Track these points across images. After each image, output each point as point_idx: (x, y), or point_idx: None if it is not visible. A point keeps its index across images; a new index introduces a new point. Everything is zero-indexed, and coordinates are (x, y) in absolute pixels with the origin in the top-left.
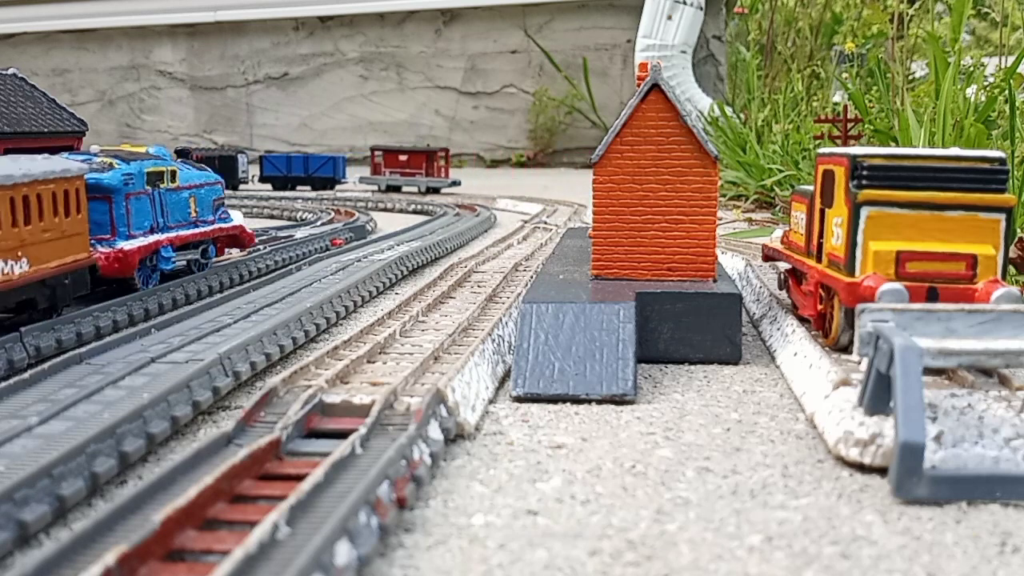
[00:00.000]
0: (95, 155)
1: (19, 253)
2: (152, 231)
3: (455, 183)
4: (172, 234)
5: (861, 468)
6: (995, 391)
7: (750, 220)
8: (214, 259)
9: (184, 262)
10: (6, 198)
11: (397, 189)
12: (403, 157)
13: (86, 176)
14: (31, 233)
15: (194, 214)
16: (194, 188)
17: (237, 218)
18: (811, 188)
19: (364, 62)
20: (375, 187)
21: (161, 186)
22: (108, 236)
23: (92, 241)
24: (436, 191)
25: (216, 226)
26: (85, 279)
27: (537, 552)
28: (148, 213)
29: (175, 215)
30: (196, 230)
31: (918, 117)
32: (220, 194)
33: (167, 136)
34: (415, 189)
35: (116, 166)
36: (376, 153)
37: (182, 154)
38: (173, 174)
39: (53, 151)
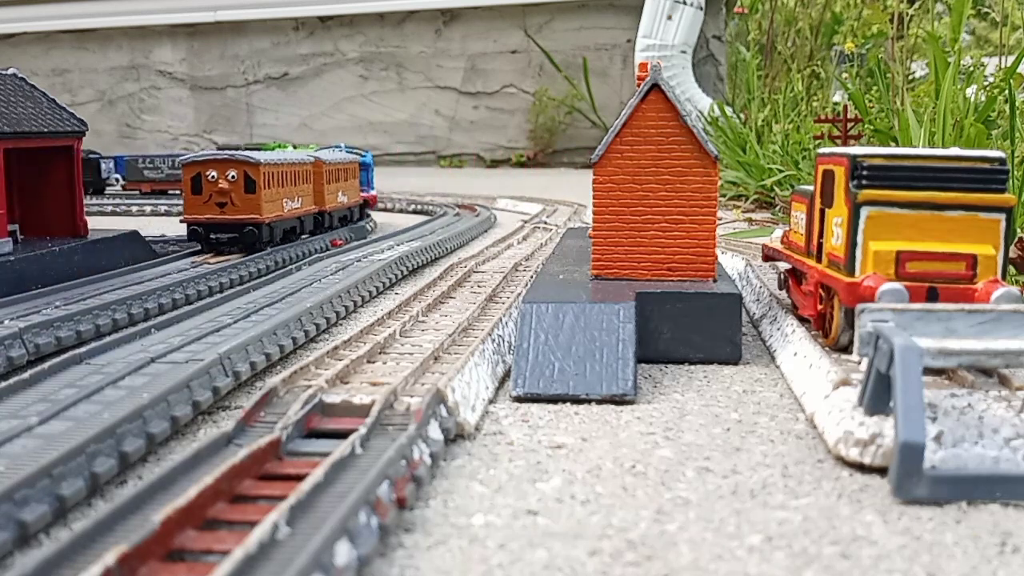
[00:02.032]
0: (351, 150)
1: (344, 191)
2: (369, 188)
3: None
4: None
5: (861, 468)
6: (995, 391)
7: (750, 220)
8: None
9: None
10: (345, 168)
11: None
12: None
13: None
14: (345, 185)
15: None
16: (371, 168)
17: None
18: (811, 188)
19: (364, 62)
20: None
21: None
22: (363, 188)
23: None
24: None
25: (372, 191)
26: (360, 208)
27: (537, 552)
28: (367, 179)
29: (370, 182)
30: (372, 192)
31: (918, 117)
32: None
33: (167, 136)
34: None
35: (363, 155)
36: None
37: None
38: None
39: (54, 151)
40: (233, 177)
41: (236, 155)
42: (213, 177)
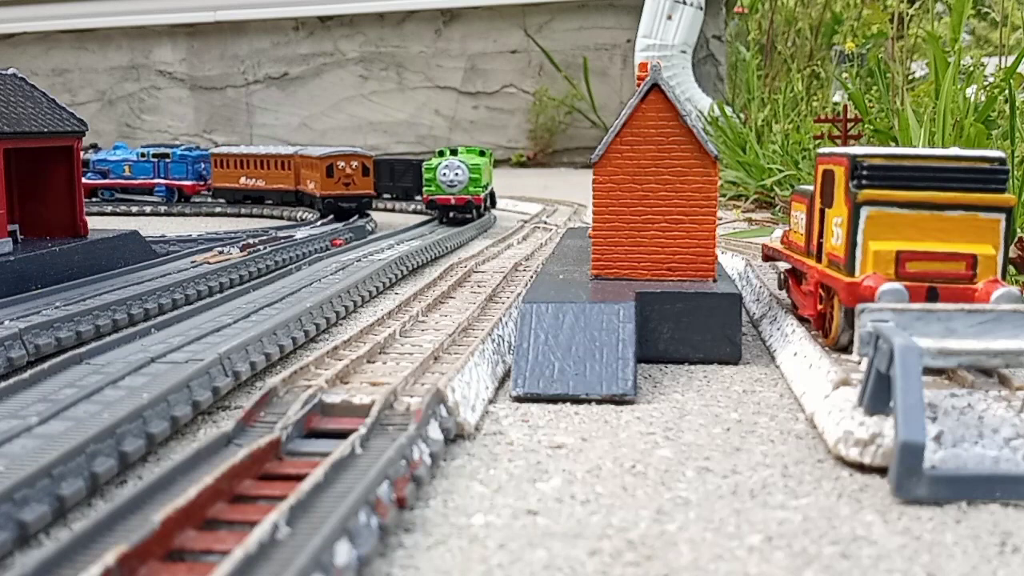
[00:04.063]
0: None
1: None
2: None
3: None
4: None
5: (861, 468)
6: (995, 391)
7: (750, 220)
8: None
9: None
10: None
11: None
12: None
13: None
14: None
15: None
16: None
17: None
18: (811, 188)
19: (364, 62)
20: None
21: None
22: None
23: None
24: None
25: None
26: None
27: (537, 552)
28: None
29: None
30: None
31: (918, 117)
32: None
33: (167, 136)
34: None
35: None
36: None
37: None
38: None
39: (54, 151)
40: (355, 166)
41: (357, 151)
42: (341, 166)
